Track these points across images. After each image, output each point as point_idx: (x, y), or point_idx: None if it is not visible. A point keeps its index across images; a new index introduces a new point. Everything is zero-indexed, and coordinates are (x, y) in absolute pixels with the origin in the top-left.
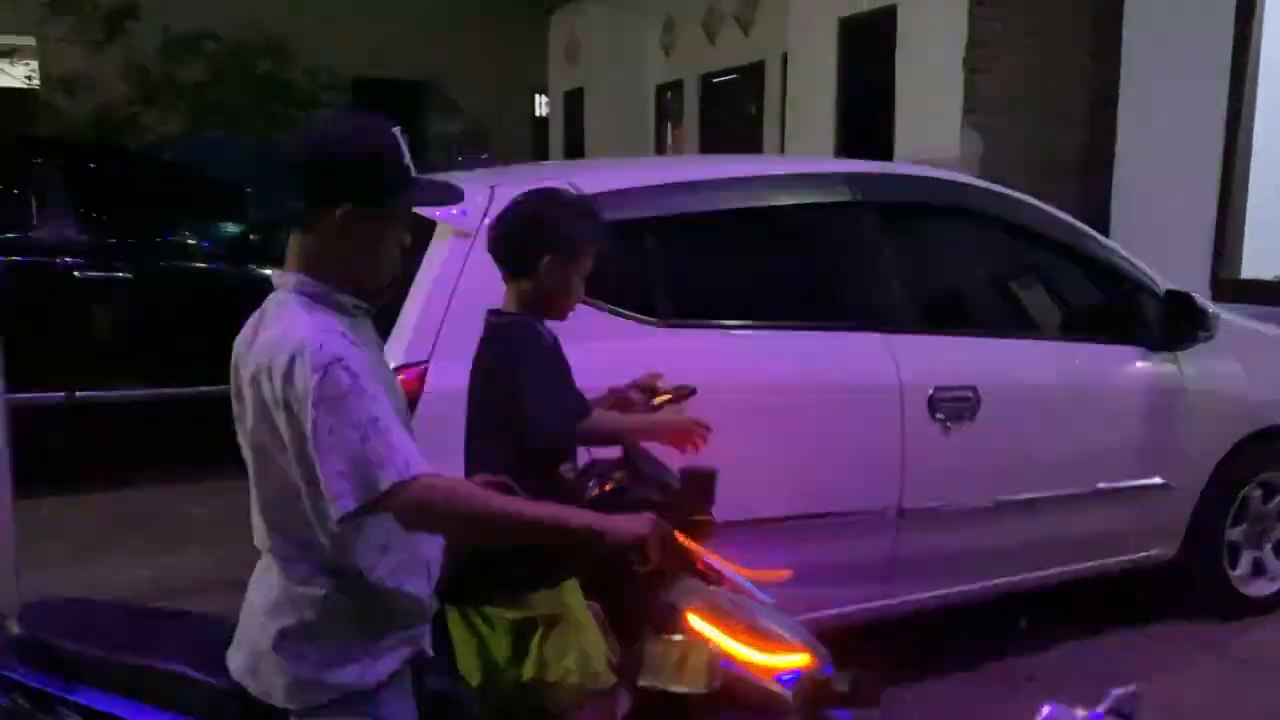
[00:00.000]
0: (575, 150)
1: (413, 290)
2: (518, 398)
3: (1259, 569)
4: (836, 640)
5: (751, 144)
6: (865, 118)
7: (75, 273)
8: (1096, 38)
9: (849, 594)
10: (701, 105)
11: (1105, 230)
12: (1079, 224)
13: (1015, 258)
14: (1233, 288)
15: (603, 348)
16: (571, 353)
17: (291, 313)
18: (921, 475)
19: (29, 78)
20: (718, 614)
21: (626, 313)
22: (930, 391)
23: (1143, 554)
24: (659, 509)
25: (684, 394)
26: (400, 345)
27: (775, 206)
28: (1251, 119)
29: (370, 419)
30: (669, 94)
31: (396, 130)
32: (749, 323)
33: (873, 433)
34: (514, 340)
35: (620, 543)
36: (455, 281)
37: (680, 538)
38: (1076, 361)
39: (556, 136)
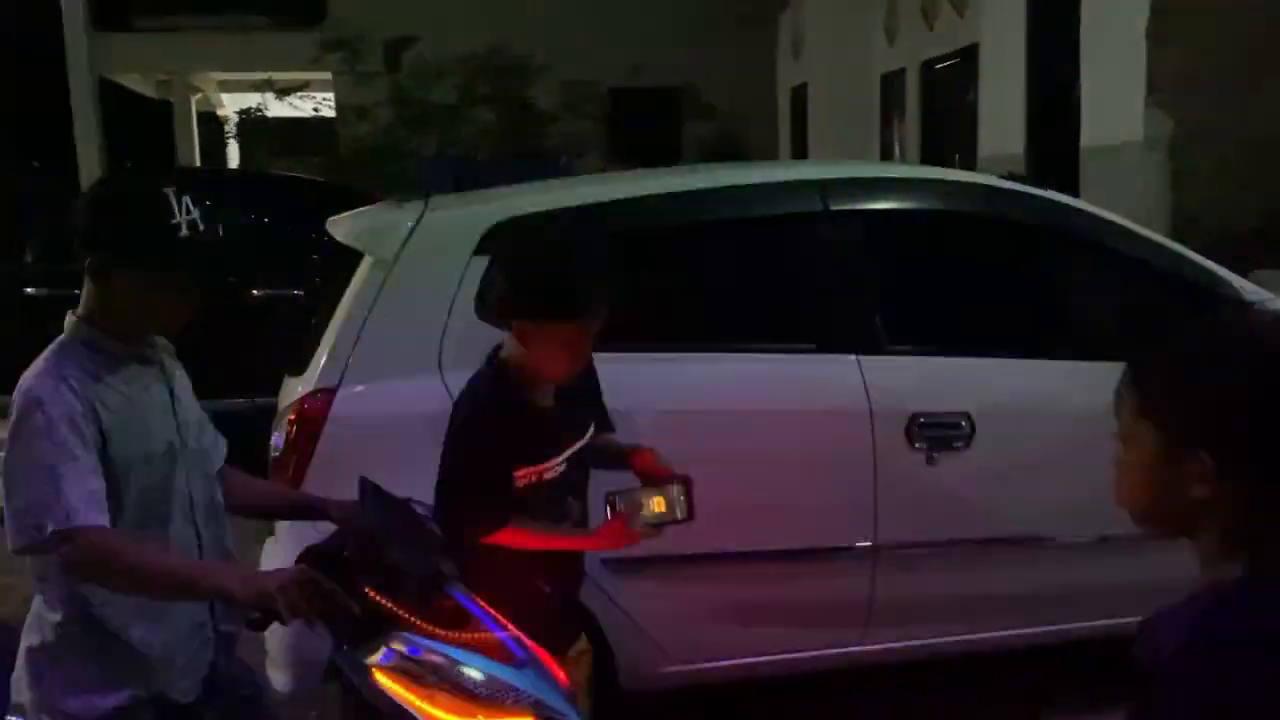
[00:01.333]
0: (800, 148)
1: (333, 318)
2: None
3: None
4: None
5: (969, 133)
6: (1053, 102)
7: None
8: None
9: (813, 638)
10: (922, 93)
11: None
12: (1130, 225)
13: (1034, 266)
14: None
15: None
16: None
17: (43, 356)
18: (901, 509)
19: (316, 109)
20: (412, 676)
21: None
22: (909, 417)
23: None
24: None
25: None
26: (312, 372)
27: (733, 220)
28: None
29: (48, 466)
30: (894, 84)
31: (168, 191)
32: (694, 346)
33: (837, 462)
34: (463, 399)
35: (248, 600)
36: (368, 310)
37: (321, 582)
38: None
39: (784, 135)
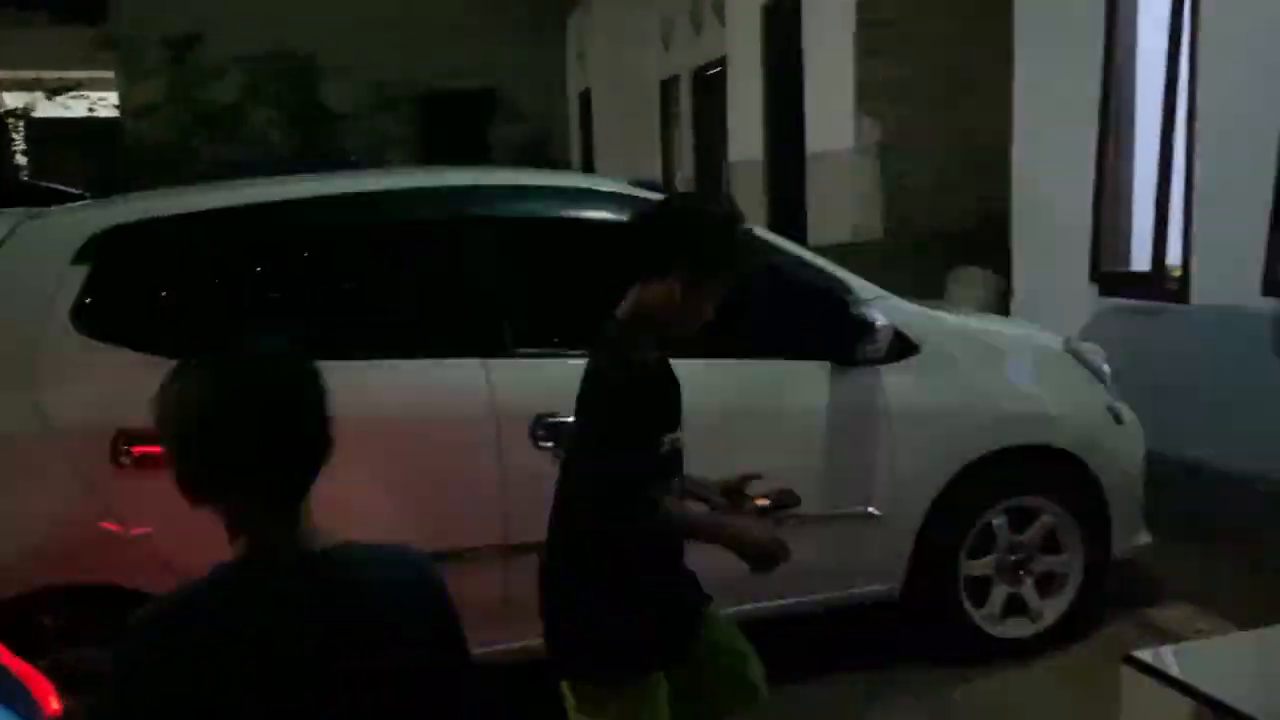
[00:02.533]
0: (589, 151)
1: None
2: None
3: (1018, 606)
4: None
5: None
6: (786, 111)
7: None
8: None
9: None
10: (694, 99)
11: (1004, 225)
12: (757, 230)
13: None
14: (1111, 280)
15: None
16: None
17: None
18: (531, 508)
19: (91, 110)
20: None
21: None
22: (532, 418)
23: (853, 590)
24: None
25: (789, 502)
26: None
27: (366, 226)
28: (1128, 106)
29: None
30: (671, 90)
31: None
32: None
33: (469, 465)
34: (610, 363)
35: None
36: None
37: None
38: (740, 381)
39: (574, 138)
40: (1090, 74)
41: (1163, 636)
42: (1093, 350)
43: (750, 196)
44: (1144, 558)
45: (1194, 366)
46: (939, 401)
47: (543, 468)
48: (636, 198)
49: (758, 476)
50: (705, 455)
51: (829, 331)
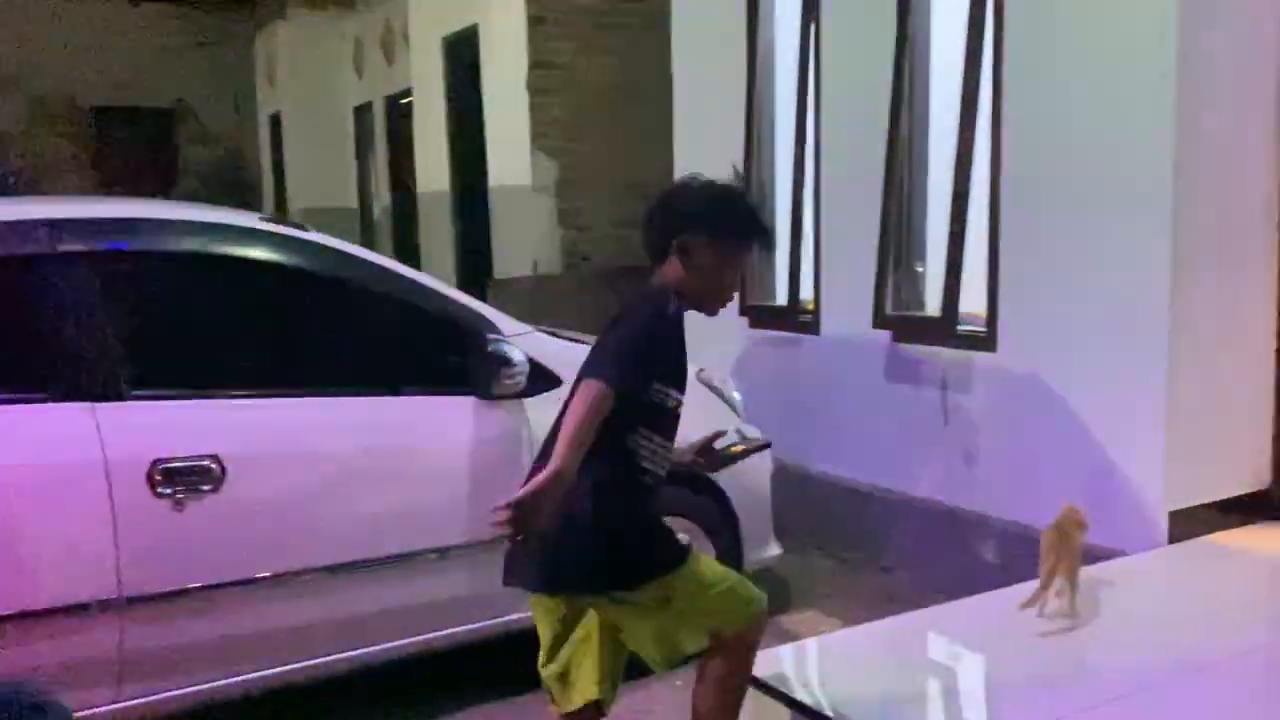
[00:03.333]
0: (280, 175)
1: None
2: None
3: None
4: None
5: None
6: (469, 144)
7: None
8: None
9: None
10: (388, 126)
11: None
12: (391, 265)
13: (290, 307)
14: (756, 313)
15: None
16: None
17: None
18: (149, 558)
19: None
20: None
21: None
22: (149, 464)
23: (508, 617)
24: None
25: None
26: None
27: None
28: (769, 151)
29: None
30: (364, 116)
31: None
32: None
33: (71, 516)
34: (638, 303)
35: None
36: None
37: None
38: (373, 417)
39: (266, 161)
40: (737, 126)
41: (792, 640)
42: (723, 379)
43: (438, 229)
44: (781, 567)
45: (825, 391)
46: None
47: (162, 516)
48: (270, 234)
49: (724, 434)
50: (336, 494)
51: (467, 367)
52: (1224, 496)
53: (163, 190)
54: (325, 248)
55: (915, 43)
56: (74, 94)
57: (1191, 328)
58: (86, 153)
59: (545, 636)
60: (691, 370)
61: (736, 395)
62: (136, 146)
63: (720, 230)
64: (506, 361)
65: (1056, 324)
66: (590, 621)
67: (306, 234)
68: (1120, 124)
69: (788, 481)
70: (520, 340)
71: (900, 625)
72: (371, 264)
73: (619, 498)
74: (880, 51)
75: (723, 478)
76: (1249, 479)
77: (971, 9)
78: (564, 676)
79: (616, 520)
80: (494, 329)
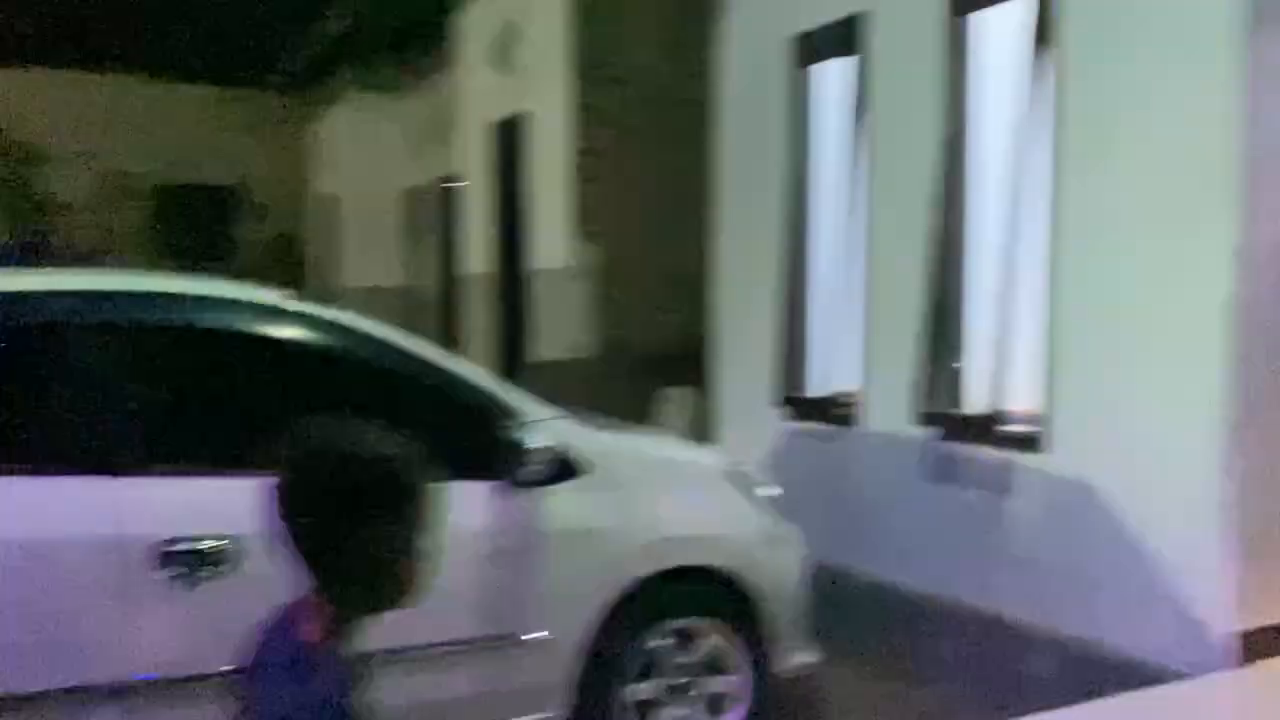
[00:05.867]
0: (332, 254)
1: None
2: None
3: None
4: None
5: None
6: (513, 228)
7: None
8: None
9: None
10: (441, 209)
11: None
12: (416, 345)
13: (310, 384)
14: (794, 405)
15: None
16: None
17: None
18: (158, 641)
19: None
20: None
21: None
22: (161, 543)
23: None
24: None
25: None
26: None
27: None
28: (808, 241)
29: None
30: (417, 199)
31: None
32: None
33: (79, 595)
34: None
35: None
36: None
37: None
38: None
39: (318, 239)
40: (777, 217)
41: None
42: (754, 473)
43: (481, 311)
44: (818, 675)
45: (861, 487)
46: (602, 523)
47: (171, 596)
48: (290, 312)
49: None
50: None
51: (486, 453)
52: None
53: (217, 267)
54: (344, 327)
55: (962, 140)
56: (139, 171)
57: (1262, 432)
58: (147, 228)
59: None
60: (725, 462)
61: (767, 490)
62: (195, 223)
63: None
64: (527, 449)
65: (1114, 427)
66: None
67: (327, 312)
68: (1181, 217)
69: (824, 582)
70: (545, 426)
71: None
72: (393, 344)
73: None
74: (925, 146)
75: (753, 578)
76: None
77: (1022, 103)
78: None
79: None
80: (517, 414)
